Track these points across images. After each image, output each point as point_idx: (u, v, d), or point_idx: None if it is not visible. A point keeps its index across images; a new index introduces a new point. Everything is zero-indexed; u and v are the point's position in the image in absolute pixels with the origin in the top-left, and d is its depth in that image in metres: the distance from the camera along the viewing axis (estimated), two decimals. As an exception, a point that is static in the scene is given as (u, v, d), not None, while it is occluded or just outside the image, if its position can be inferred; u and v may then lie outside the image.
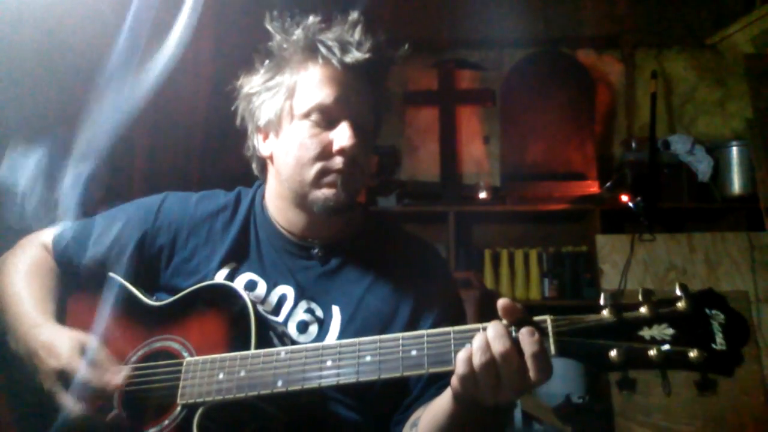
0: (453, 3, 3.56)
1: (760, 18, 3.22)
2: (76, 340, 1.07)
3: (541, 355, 0.84)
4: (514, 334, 0.86)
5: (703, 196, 3.45)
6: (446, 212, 3.53)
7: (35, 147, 1.62)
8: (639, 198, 3.21)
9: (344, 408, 1.09)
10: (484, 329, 0.88)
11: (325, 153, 1.11)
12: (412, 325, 1.13)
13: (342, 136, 1.10)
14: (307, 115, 1.12)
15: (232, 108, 1.24)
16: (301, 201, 1.15)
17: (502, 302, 0.87)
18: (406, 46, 1.18)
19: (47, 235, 1.28)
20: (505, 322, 0.88)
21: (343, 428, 1.09)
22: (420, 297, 1.16)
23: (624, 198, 3.29)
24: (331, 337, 1.12)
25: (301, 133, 1.12)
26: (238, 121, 1.23)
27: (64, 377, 1.03)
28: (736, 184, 3.38)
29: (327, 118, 1.11)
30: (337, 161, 1.10)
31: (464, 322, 1.22)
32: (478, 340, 0.86)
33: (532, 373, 0.83)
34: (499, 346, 0.84)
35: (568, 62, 3.70)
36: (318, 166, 1.11)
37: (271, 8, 1.15)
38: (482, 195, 3.58)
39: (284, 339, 1.11)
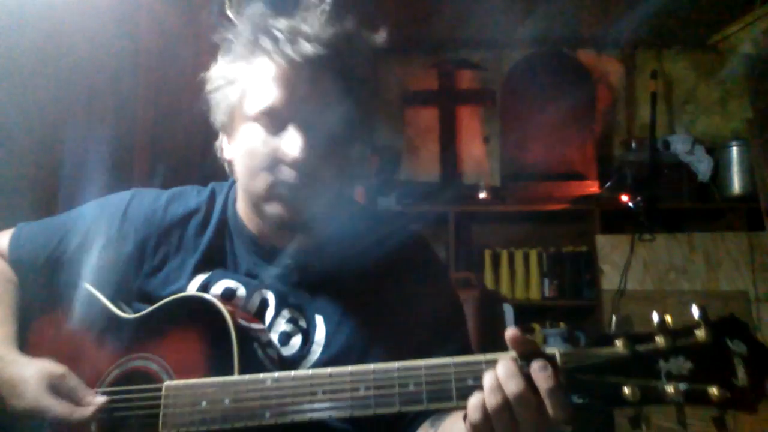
0: (453, 3, 3.55)
1: (760, 18, 3.22)
2: (40, 373, 0.97)
3: (558, 391, 0.75)
4: (524, 369, 0.78)
5: (703, 196, 3.45)
6: (446, 212, 3.53)
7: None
8: (639, 198, 3.21)
9: (339, 422, 1.01)
10: (488, 363, 0.80)
11: (273, 163, 0.97)
12: (404, 334, 1.02)
13: (290, 144, 0.96)
14: (256, 119, 0.98)
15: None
16: (258, 212, 1.04)
17: (510, 333, 0.78)
18: (383, 33, 1.03)
19: (2, 240, 1.17)
20: (514, 354, 0.80)
21: None
22: (412, 302, 1.05)
23: (624, 198, 3.29)
24: (316, 349, 1.03)
25: (249, 139, 0.99)
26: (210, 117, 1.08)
27: (33, 417, 0.96)
28: (736, 184, 3.38)
29: (277, 123, 0.97)
30: (286, 174, 0.97)
31: (461, 323, 1.14)
32: (488, 381, 0.77)
33: (550, 411, 0.75)
34: (512, 387, 0.76)
35: (568, 62, 3.71)
36: (267, 177, 0.98)
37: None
38: (482, 195, 3.58)
39: (267, 349, 1.03)
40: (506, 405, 0.76)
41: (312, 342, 1.03)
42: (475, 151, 3.84)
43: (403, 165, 3.85)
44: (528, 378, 0.76)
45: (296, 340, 1.04)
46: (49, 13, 1.64)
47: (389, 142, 3.78)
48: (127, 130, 2.02)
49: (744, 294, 2.96)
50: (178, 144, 2.23)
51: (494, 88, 3.80)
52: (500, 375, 0.77)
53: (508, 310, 3.09)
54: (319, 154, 0.98)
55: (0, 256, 1.16)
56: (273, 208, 1.00)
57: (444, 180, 3.71)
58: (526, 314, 3.42)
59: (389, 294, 1.06)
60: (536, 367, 0.76)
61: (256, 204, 1.03)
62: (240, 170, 1.03)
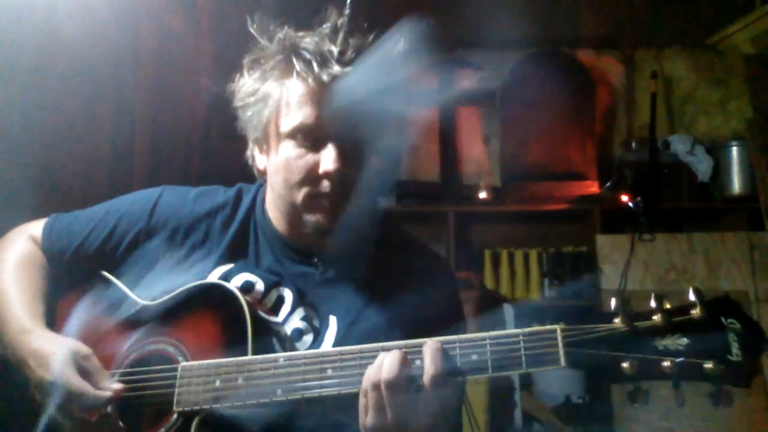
0: (453, 3, 3.56)
1: (760, 18, 3.22)
2: (68, 349, 1.04)
3: (438, 378, 0.85)
4: (417, 363, 0.88)
5: (703, 196, 3.45)
6: (446, 212, 3.53)
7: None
8: (639, 198, 3.21)
9: (345, 416, 1.04)
10: (492, 339, 0.88)
11: (311, 176, 1.05)
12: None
13: (327, 159, 1.03)
14: (291, 136, 1.05)
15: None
16: (294, 219, 1.11)
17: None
18: (402, 41, 1.09)
19: (37, 227, 1.23)
20: (434, 343, 0.88)
21: None
22: (422, 314, 1.09)
23: (624, 198, 3.29)
24: (325, 348, 1.07)
25: (287, 154, 1.06)
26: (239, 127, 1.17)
27: (56, 390, 1.01)
28: (736, 184, 3.38)
29: (311, 139, 1.04)
30: (324, 185, 1.04)
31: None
32: (369, 368, 0.88)
33: (426, 398, 0.86)
34: (386, 374, 0.86)
35: (568, 62, 3.70)
36: (305, 190, 1.06)
37: (264, 7, 1.12)
38: (482, 195, 3.58)
39: (285, 343, 1.08)
40: (372, 389, 0.86)
41: (322, 341, 1.08)
42: (475, 151, 3.83)
43: (403, 165, 3.85)
44: (408, 376, 0.86)
45: (308, 338, 1.09)
46: (49, 13, 1.64)
47: (389, 142, 3.77)
48: (127, 130, 2.02)
49: (744, 294, 2.96)
50: (178, 144, 2.23)
51: (494, 88, 3.79)
52: (376, 363, 0.87)
53: (508, 310, 3.09)
54: (350, 163, 1.05)
55: (34, 242, 1.22)
56: (312, 217, 1.07)
57: (444, 180, 3.70)
58: (526, 314, 3.42)
59: (403, 302, 1.10)
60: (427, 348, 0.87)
61: (295, 213, 1.09)
62: (277, 182, 1.10)
